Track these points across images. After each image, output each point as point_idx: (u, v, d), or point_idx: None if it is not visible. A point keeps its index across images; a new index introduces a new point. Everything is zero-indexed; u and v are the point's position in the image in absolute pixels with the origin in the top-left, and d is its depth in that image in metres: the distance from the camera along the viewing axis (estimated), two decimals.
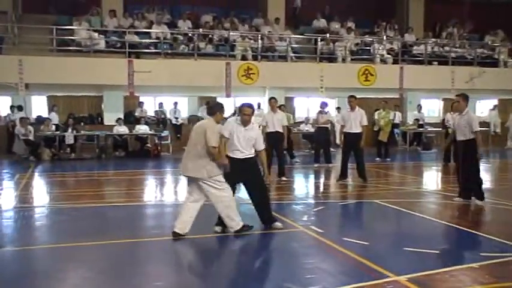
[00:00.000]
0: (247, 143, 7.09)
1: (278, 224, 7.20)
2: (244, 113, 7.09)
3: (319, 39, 20.42)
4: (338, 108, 20.26)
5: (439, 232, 7.42)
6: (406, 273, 5.22)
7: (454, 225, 7.47)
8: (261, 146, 7.24)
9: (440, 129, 18.13)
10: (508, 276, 5.25)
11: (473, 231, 7.11)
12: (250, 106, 7.22)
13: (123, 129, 17.79)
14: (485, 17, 25.06)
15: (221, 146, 6.81)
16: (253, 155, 7.17)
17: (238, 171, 6.93)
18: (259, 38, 19.96)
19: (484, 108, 24.47)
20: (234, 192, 7.08)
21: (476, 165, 9.05)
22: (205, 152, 6.58)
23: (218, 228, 7.00)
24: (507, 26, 25.65)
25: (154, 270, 5.65)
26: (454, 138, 9.53)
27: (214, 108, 6.96)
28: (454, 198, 9.46)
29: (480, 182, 9.20)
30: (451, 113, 15.59)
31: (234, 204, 6.91)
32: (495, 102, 23.54)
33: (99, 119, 19.64)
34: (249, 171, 7.10)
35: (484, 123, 22.74)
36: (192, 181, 6.83)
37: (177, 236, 6.68)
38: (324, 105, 14.94)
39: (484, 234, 6.94)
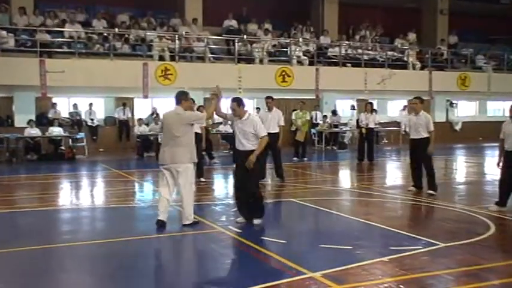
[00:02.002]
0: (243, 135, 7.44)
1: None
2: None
3: (236, 41, 20.54)
4: (258, 109, 20.45)
5: (353, 228, 7.65)
6: (321, 270, 5.36)
7: (367, 222, 7.74)
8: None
9: (354, 128, 18.77)
10: (416, 268, 5.51)
11: (384, 227, 7.40)
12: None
13: (35, 132, 17.06)
14: (395, 21, 26.24)
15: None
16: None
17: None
18: (177, 38, 19.79)
19: (394, 108, 25.58)
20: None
21: (430, 159, 10.00)
22: (186, 140, 7.10)
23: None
24: (416, 30, 26.98)
25: (68, 277, 5.46)
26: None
27: (179, 97, 7.31)
28: (408, 188, 10.43)
29: (433, 173, 10.03)
30: (365, 113, 16.27)
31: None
32: (405, 102, 24.64)
33: (9, 121, 18.71)
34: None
35: (394, 123, 23.84)
36: (167, 170, 7.19)
37: (161, 224, 7.18)
38: None
39: (394, 229, 7.24)
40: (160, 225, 7.21)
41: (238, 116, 7.44)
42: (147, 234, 7.03)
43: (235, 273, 5.49)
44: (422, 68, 24.25)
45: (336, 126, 21.10)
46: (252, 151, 7.29)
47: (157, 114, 19.89)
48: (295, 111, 17.47)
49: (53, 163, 15.95)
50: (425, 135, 9.97)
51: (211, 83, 18.98)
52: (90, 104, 19.70)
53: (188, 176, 7.19)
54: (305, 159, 16.61)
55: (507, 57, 26.22)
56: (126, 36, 19.76)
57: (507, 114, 8.60)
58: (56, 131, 17.49)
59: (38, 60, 17.26)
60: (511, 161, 8.31)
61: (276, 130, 11.69)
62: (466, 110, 27.58)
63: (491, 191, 10.09)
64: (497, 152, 8.88)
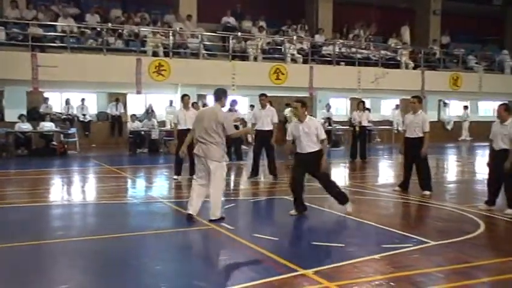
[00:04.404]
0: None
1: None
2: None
3: (230, 37, 20.51)
4: (251, 106, 20.41)
5: (345, 226, 7.69)
6: (314, 267, 5.37)
7: (359, 220, 7.76)
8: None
9: (348, 127, 18.78)
10: (407, 266, 5.54)
11: (376, 225, 7.43)
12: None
13: (26, 126, 16.97)
14: (389, 21, 26.30)
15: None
16: None
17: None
18: (171, 34, 19.74)
19: (387, 107, 25.65)
20: None
21: (426, 159, 9.89)
22: (218, 138, 7.21)
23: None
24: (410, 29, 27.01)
25: (59, 274, 5.44)
26: None
27: (219, 94, 7.53)
28: (394, 188, 10.45)
29: (429, 173, 10.00)
30: (357, 111, 16.32)
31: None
32: (397, 101, 24.75)
33: (0, 115, 18.59)
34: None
35: (387, 122, 23.92)
36: (202, 164, 7.34)
37: (191, 217, 7.37)
38: (233, 103, 15.05)
39: (386, 227, 7.27)
40: (188, 219, 7.42)
41: None
42: (139, 230, 7.04)
43: (227, 270, 5.49)
44: (415, 68, 24.35)
45: (329, 124, 21.08)
46: None
47: (152, 111, 19.87)
48: (289, 108, 17.46)
49: (44, 158, 15.87)
50: (421, 134, 9.79)
51: (205, 79, 19.34)
52: (83, 99, 19.63)
53: (222, 170, 7.29)
54: None
55: (498, 58, 26.41)
56: (120, 31, 19.69)
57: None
58: (47, 126, 17.39)
59: (29, 54, 17.18)
60: (499, 160, 8.33)
61: (270, 128, 11.72)
62: (457, 109, 27.70)
63: (481, 190, 10.15)
64: (487, 152, 8.92)
